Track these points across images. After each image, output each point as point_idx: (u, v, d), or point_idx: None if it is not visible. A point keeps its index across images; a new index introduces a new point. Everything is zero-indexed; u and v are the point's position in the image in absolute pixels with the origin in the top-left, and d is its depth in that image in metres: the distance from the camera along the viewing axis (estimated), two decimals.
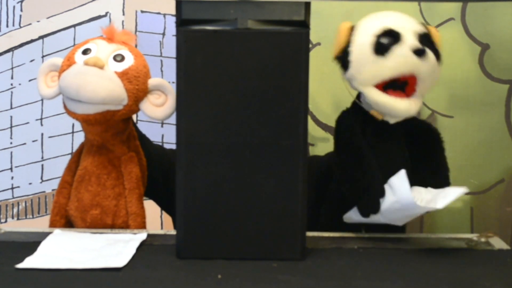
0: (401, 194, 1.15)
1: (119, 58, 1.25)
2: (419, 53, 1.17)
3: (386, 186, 1.18)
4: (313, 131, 1.67)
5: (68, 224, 1.33)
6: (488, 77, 1.65)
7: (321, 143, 1.68)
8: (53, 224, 1.33)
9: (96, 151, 1.30)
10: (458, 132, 1.65)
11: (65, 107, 1.27)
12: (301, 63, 1.08)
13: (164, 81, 1.28)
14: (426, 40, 1.20)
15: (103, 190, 1.29)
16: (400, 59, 1.18)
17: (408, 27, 1.20)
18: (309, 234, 1.16)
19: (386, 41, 1.18)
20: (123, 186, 1.30)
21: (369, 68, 1.20)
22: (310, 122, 1.66)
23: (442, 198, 1.14)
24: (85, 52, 1.25)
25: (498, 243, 1.21)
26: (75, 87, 1.21)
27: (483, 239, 1.22)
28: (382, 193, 1.18)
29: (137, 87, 1.25)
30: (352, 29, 1.22)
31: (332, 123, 1.67)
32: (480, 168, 1.67)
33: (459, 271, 1.07)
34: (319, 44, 1.65)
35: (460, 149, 1.65)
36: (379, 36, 1.18)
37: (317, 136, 1.68)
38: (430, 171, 1.24)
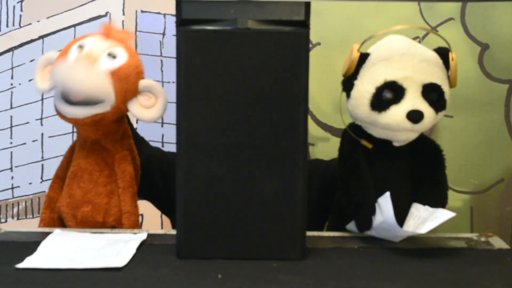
0: (386, 216, 1.16)
1: (112, 55, 1.24)
2: (414, 120, 1.17)
3: (376, 205, 1.20)
4: (313, 131, 1.67)
5: (59, 219, 1.33)
6: (488, 77, 1.65)
7: (321, 143, 1.68)
8: (42, 217, 1.33)
9: (89, 147, 1.29)
10: (458, 132, 1.65)
11: (56, 109, 1.27)
12: (301, 63, 1.08)
13: (155, 83, 1.27)
14: (432, 91, 1.18)
15: (95, 187, 1.29)
16: (393, 122, 1.18)
17: (417, 78, 1.17)
18: (309, 234, 1.16)
19: (385, 97, 1.17)
20: (115, 184, 1.30)
21: (362, 117, 1.21)
22: (310, 122, 1.66)
23: (430, 221, 1.15)
24: (81, 46, 1.25)
25: (498, 243, 1.21)
26: (62, 80, 1.21)
27: (483, 239, 1.22)
28: (374, 211, 1.19)
29: (126, 86, 1.24)
30: (362, 58, 1.20)
31: (332, 123, 1.68)
32: (480, 168, 1.67)
33: (459, 271, 1.07)
34: (319, 44, 1.65)
35: (460, 149, 1.65)
36: (380, 89, 1.18)
37: (317, 136, 1.68)
38: (429, 189, 1.24)
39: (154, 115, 1.26)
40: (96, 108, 1.22)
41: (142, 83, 1.26)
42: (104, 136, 1.28)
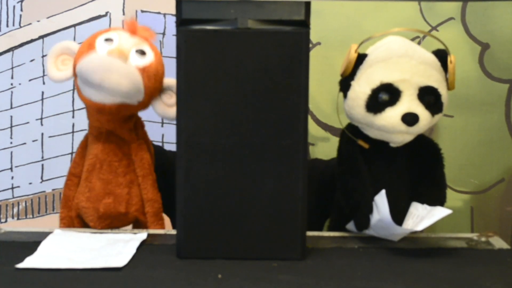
0: (382, 213, 1.16)
1: (140, 52, 1.24)
2: (408, 123, 1.16)
3: (373, 204, 1.20)
4: (313, 131, 1.67)
5: (78, 218, 1.33)
6: (488, 77, 1.65)
7: (321, 143, 1.68)
8: (61, 216, 1.33)
9: (105, 138, 1.29)
10: (458, 132, 1.65)
11: (78, 90, 1.26)
12: (301, 63, 1.08)
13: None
14: (428, 93, 1.18)
15: (115, 178, 1.29)
16: (388, 124, 1.18)
17: (414, 81, 1.17)
18: (309, 233, 1.16)
19: (380, 99, 1.17)
20: (134, 173, 1.30)
21: (358, 118, 1.21)
22: (310, 122, 1.66)
23: (427, 219, 1.15)
24: (108, 40, 1.24)
25: (498, 243, 1.21)
26: (99, 76, 1.20)
27: (483, 239, 1.22)
28: (371, 210, 1.20)
29: (155, 85, 1.25)
30: (360, 58, 1.20)
31: (332, 122, 1.68)
32: (480, 168, 1.67)
33: (459, 271, 1.07)
34: (319, 44, 1.65)
35: (460, 149, 1.65)
36: (376, 91, 1.17)
37: (317, 136, 1.68)
38: (427, 188, 1.24)
39: None
40: (125, 100, 1.23)
41: (166, 81, 1.29)
42: (120, 125, 1.28)
